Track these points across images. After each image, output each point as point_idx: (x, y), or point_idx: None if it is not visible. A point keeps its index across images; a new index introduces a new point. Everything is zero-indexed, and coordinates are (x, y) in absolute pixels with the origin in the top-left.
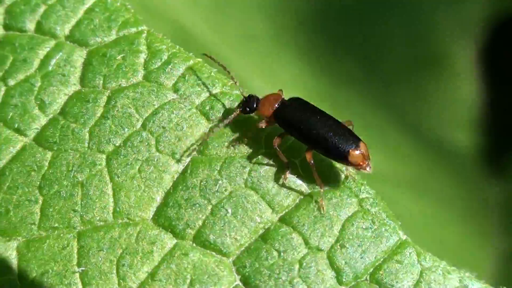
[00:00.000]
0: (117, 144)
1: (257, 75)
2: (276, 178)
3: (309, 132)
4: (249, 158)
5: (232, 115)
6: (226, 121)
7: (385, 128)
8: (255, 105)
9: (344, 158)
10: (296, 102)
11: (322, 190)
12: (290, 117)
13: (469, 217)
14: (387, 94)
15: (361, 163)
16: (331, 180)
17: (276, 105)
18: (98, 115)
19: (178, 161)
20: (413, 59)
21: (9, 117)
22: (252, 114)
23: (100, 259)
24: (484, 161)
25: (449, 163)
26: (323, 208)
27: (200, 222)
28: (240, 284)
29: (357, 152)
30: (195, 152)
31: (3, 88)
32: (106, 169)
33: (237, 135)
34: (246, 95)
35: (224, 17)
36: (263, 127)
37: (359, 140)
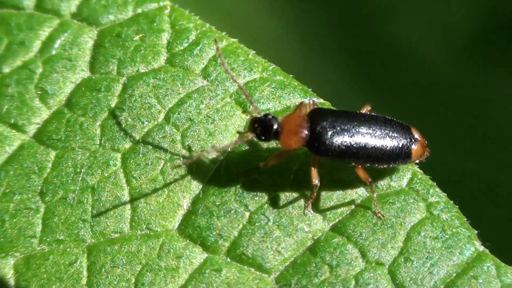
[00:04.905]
0: (135, 141)
1: (286, 38)
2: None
3: (357, 150)
4: (295, 154)
5: (241, 139)
6: (233, 143)
7: (457, 119)
8: (273, 133)
9: (406, 158)
10: (326, 118)
11: (375, 196)
12: (329, 143)
13: None
14: (454, 69)
15: (423, 155)
16: (392, 178)
17: (305, 133)
18: (112, 106)
19: (209, 160)
20: (485, 23)
21: (4, 110)
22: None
23: (115, 278)
24: None
25: None
26: (381, 215)
27: (236, 233)
28: None
29: (416, 146)
30: (229, 149)
31: None
32: (121, 170)
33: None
34: (261, 115)
35: None
36: (276, 162)
37: (409, 128)
